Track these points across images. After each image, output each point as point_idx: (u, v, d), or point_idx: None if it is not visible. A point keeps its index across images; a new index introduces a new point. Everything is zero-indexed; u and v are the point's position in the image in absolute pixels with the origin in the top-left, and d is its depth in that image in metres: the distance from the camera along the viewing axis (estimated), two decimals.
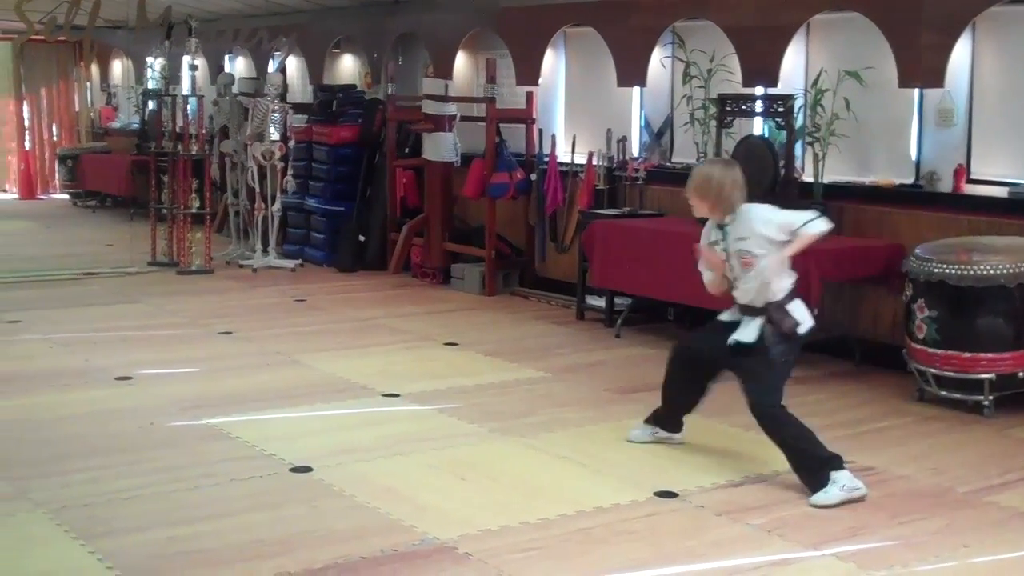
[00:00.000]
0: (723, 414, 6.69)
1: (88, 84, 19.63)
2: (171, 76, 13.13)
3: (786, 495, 5.37)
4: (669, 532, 4.93)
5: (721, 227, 5.66)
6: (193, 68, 12.41)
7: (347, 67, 13.81)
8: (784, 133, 8.20)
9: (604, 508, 5.17)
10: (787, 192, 8.08)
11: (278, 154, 11.79)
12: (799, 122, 8.21)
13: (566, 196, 10.28)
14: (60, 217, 16.79)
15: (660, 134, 9.82)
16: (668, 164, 9.68)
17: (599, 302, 9.39)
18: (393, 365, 7.88)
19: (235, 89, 12.73)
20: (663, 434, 6.13)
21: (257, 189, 11.86)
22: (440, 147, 11.03)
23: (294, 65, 14.57)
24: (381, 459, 5.85)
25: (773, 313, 5.55)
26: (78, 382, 7.34)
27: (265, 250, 11.97)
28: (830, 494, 5.25)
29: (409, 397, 7.03)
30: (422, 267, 11.34)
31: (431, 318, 9.53)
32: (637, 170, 9.66)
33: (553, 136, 10.47)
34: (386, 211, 11.87)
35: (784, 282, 5.59)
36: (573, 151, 10.29)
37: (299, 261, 12.11)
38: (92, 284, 10.99)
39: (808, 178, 8.24)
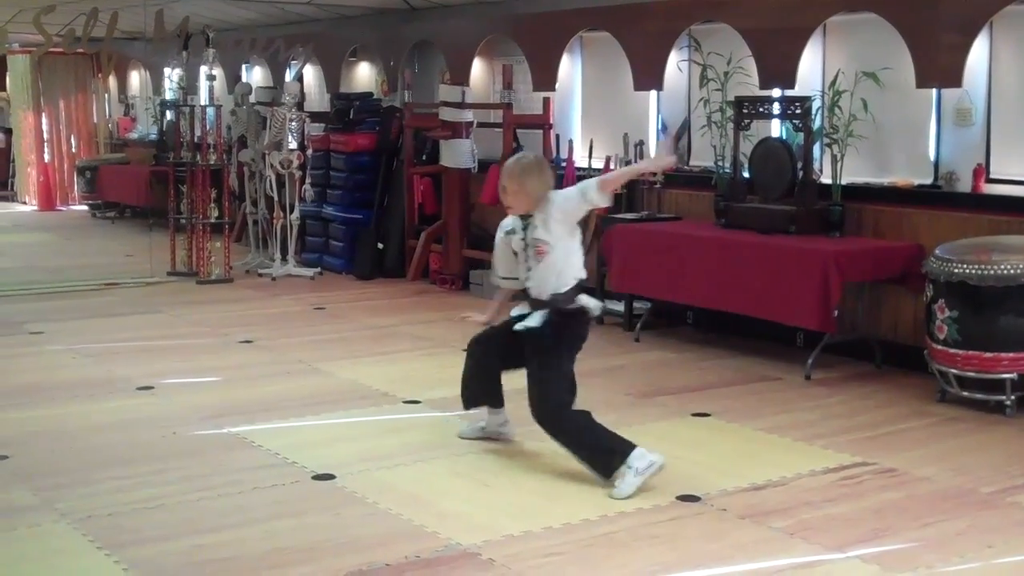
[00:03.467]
0: (744, 418, 6.70)
1: (106, 95, 19.72)
2: (189, 86, 13.19)
3: (808, 498, 5.37)
4: (692, 536, 4.92)
5: (524, 218, 5.75)
6: (211, 78, 12.45)
7: (364, 75, 13.85)
8: (802, 135, 8.20)
9: (627, 512, 5.17)
10: (806, 194, 8.08)
11: (296, 163, 11.82)
12: (817, 124, 8.20)
13: None
14: (79, 228, 16.87)
15: (677, 137, 9.81)
16: (686, 167, 9.67)
17: (618, 306, 9.38)
18: (414, 372, 7.89)
19: (252, 98, 12.78)
20: (493, 423, 6.19)
21: (275, 198, 11.90)
22: (457, 154, 11.06)
23: (311, 74, 14.62)
24: (403, 466, 5.86)
25: (560, 302, 5.66)
26: (101, 392, 7.37)
27: (284, 259, 12.01)
28: (627, 482, 5.34)
29: (430, 404, 7.04)
30: (440, 274, 11.36)
31: (450, 324, 9.52)
32: (655, 174, 9.65)
33: (570, 141, 10.48)
34: (404, 218, 11.89)
35: (574, 271, 5.70)
36: (590, 155, 10.30)
37: (318, 269, 12.14)
38: (112, 295, 11.05)
39: (826, 180, 8.23)
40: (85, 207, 18.47)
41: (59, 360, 8.28)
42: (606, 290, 9.40)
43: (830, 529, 4.97)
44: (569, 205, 5.66)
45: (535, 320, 5.68)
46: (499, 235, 5.95)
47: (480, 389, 6.13)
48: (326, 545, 4.80)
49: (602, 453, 5.50)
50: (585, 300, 5.74)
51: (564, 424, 5.67)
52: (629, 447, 5.45)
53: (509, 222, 5.87)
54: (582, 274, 5.76)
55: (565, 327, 5.72)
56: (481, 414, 6.26)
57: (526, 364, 5.78)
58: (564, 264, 5.67)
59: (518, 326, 5.74)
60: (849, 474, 5.71)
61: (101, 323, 9.70)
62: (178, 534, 4.94)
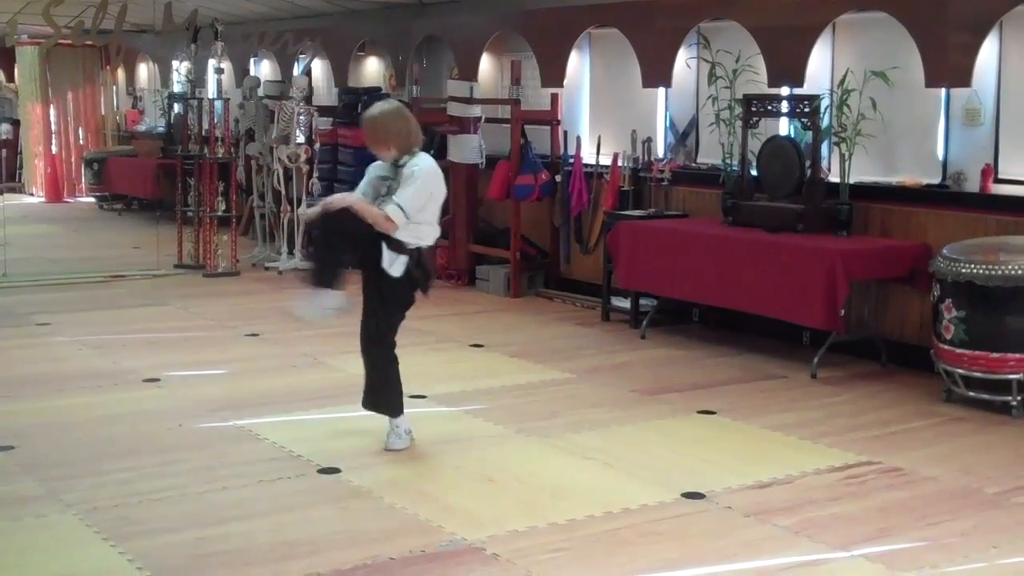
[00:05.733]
0: (750, 416, 6.70)
1: (114, 88, 19.74)
2: (197, 79, 13.18)
3: (814, 496, 5.37)
4: (697, 533, 4.93)
5: (397, 165, 5.87)
6: (219, 71, 12.46)
7: (372, 69, 13.85)
8: (810, 133, 8.19)
9: (632, 509, 5.17)
10: (813, 193, 8.07)
11: (304, 157, 11.82)
12: (825, 122, 8.19)
13: (591, 197, 10.28)
14: (86, 220, 16.88)
15: (685, 135, 9.81)
16: (693, 165, 9.67)
17: (624, 303, 9.39)
18: (419, 367, 7.86)
19: (261, 92, 12.78)
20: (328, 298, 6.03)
21: (283, 192, 11.90)
22: (465, 149, 11.06)
23: (319, 68, 14.62)
24: (409, 460, 5.87)
25: (424, 259, 5.93)
26: (107, 384, 7.38)
27: (291, 252, 12.01)
28: (398, 441, 5.96)
29: (436, 399, 7.05)
30: (447, 269, 11.36)
31: (456, 320, 9.55)
32: (662, 171, 9.66)
33: (578, 137, 10.47)
34: None
35: (429, 229, 5.92)
36: (598, 152, 10.30)
37: None
38: (119, 287, 11.06)
39: (835, 178, 8.22)
40: (92, 199, 18.50)
41: (66, 351, 8.30)
42: (613, 287, 9.41)
43: (835, 528, 4.97)
44: (406, 183, 5.77)
45: (397, 269, 5.82)
46: (371, 173, 6.03)
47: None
48: (331, 538, 4.81)
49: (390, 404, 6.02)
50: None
51: (381, 356, 6.00)
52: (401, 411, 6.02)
53: (384, 168, 5.97)
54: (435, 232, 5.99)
55: (417, 279, 5.96)
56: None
57: (375, 296, 5.96)
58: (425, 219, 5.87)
59: (384, 264, 5.81)
60: (854, 473, 5.71)
61: (108, 315, 9.72)
62: (184, 526, 4.95)
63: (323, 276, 5.87)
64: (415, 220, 5.78)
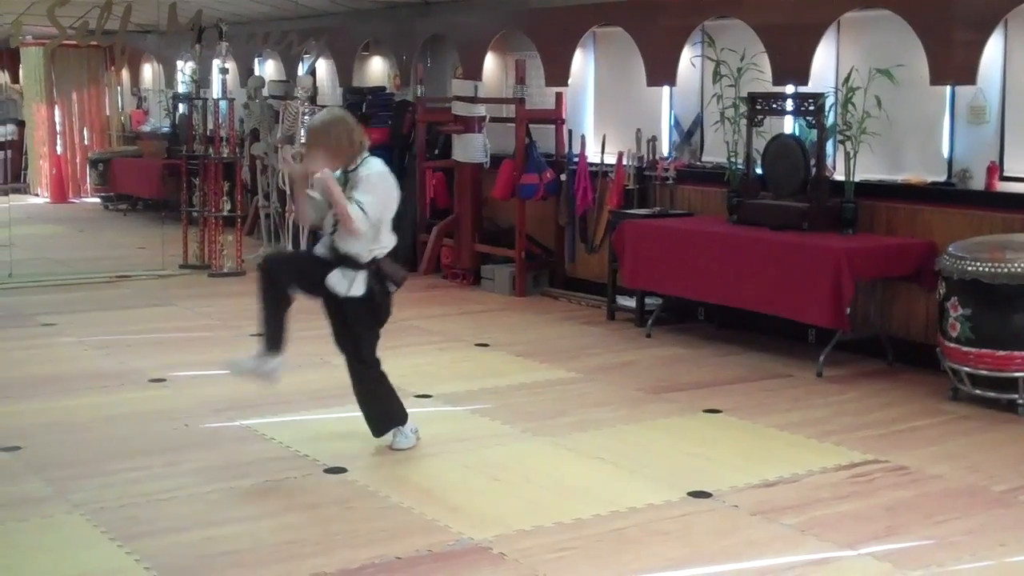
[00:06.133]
0: (756, 415, 6.70)
1: (119, 88, 19.75)
2: (201, 79, 13.20)
3: (820, 495, 5.36)
4: (703, 532, 4.93)
5: (346, 172, 5.73)
6: (223, 71, 12.47)
7: (376, 69, 13.85)
8: (815, 132, 8.18)
9: (638, 508, 5.17)
10: (818, 191, 8.07)
11: None
12: (830, 120, 8.18)
13: (596, 196, 10.28)
14: (92, 220, 16.90)
15: (690, 133, 9.81)
16: (698, 163, 9.67)
17: (630, 302, 9.39)
18: (424, 366, 7.90)
19: (265, 92, 12.80)
20: (271, 364, 5.86)
21: (288, 191, 11.90)
22: (470, 148, 11.06)
23: (324, 67, 14.62)
24: (415, 460, 5.87)
25: (385, 267, 5.78)
26: (113, 384, 7.39)
27: None
28: (405, 440, 5.95)
29: (441, 398, 7.05)
30: (452, 268, 11.37)
31: (462, 319, 9.55)
32: (667, 170, 9.65)
33: (583, 136, 10.47)
34: (416, 213, 11.89)
35: (385, 240, 5.79)
36: (603, 151, 10.29)
37: None
38: (124, 287, 11.07)
39: (839, 177, 8.21)
40: (97, 199, 18.51)
41: (71, 352, 8.31)
42: (618, 286, 9.41)
43: (842, 526, 4.97)
44: (359, 186, 5.65)
45: (358, 288, 5.70)
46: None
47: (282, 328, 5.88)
48: (338, 538, 4.82)
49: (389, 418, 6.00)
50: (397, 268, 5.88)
51: (371, 377, 5.93)
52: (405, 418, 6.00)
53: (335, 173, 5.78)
54: (392, 240, 5.84)
55: (382, 296, 5.84)
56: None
57: (343, 322, 5.86)
58: (380, 229, 5.73)
59: (339, 291, 5.71)
60: (861, 471, 5.70)
61: (113, 315, 9.73)
62: (190, 526, 4.96)
63: (273, 340, 5.79)
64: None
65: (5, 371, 7.73)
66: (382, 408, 6.00)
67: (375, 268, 5.76)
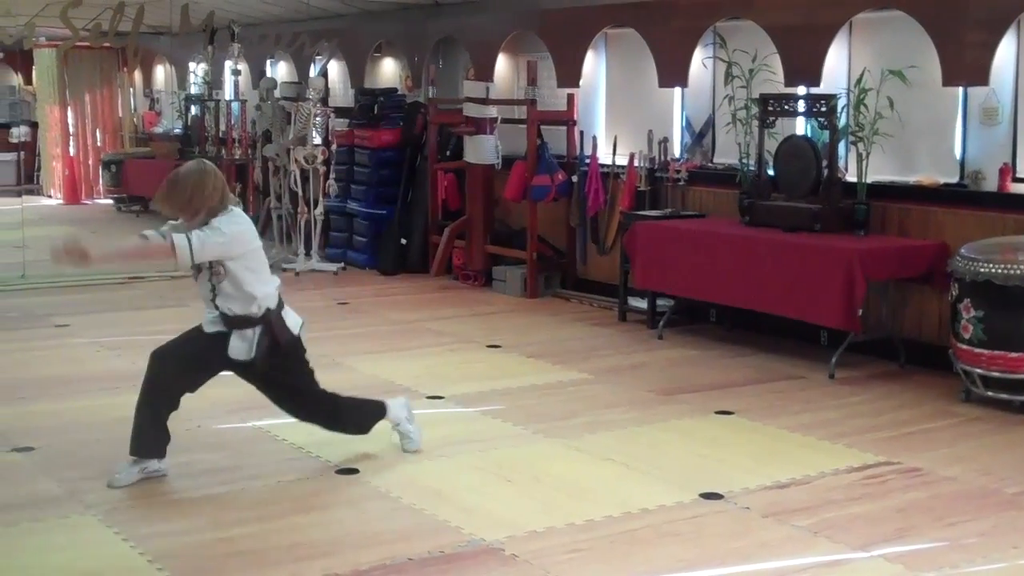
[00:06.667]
0: (768, 417, 6.70)
1: (132, 89, 19.80)
2: (214, 81, 13.24)
3: (832, 497, 5.36)
4: (715, 533, 4.92)
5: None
6: (236, 73, 12.52)
7: (388, 70, 13.86)
8: (827, 133, 8.17)
9: (649, 509, 5.17)
10: (830, 192, 8.06)
11: (320, 158, 11.86)
12: (842, 122, 8.17)
13: (607, 197, 10.27)
14: (104, 222, 16.92)
15: (702, 135, 9.80)
16: (710, 165, 9.66)
17: (641, 303, 9.38)
18: (436, 367, 7.91)
19: (277, 93, 12.81)
20: (153, 466, 5.56)
21: (300, 193, 11.93)
22: (481, 149, 11.06)
23: (335, 69, 14.64)
24: (426, 461, 5.87)
25: (273, 322, 5.44)
26: (126, 385, 7.35)
27: (308, 253, 12.05)
28: (412, 441, 5.91)
29: (453, 399, 7.06)
30: (464, 269, 11.38)
31: (473, 320, 9.56)
32: (679, 171, 9.64)
33: (594, 138, 10.47)
34: (428, 214, 11.90)
35: (269, 287, 5.50)
36: (614, 152, 10.29)
37: (341, 264, 12.18)
38: (137, 288, 11.09)
39: (852, 178, 8.20)
40: (110, 201, 18.55)
41: (84, 353, 8.33)
42: (629, 287, 9.41)
43: (854, 528, 4.96)
44: (214, 236, 5.29)
45: (247, 351, 5.44)
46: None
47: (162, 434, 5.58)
48: (349, 539, 4.83)
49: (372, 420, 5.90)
50: (291, 319, 5.59)
51: (326, 406, 5.78)
52: (383, 409, 5.92)
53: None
54: (274, 286, 5.55)
55: (274, 351, 5.48)
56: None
57: (269, 383, 5.63)
58: (249, 283, 5.42)
59: (238, 358, 5.47)
60: (873, 473, 5.70)
61: (126, 316, 9.76)
62: (202, 527, 4.97)
63: (156, 445, 5.53)
64: (200, 261, 5.32)
65: (19, 372, 7.76)
66: (359, 419, 5.88)
67: (271, 319, 5.46)
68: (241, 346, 5.47)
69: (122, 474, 5.50)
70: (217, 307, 5.49)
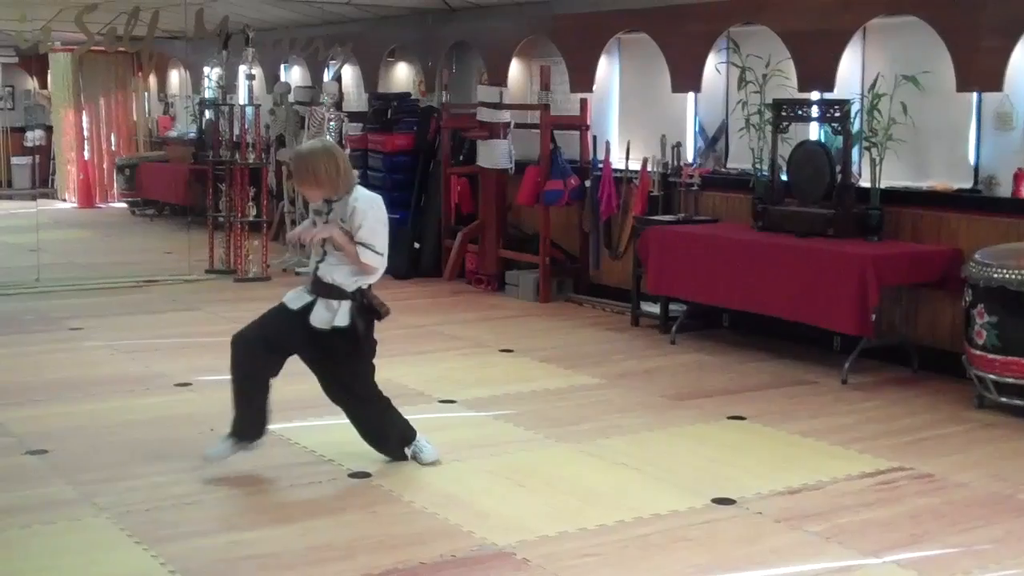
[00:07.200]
0: (780, 422, 6.69)
1: (146, 94, 19.87)
2: (228, 85, 13.25)
3: (845, 502, 5.35)
4: (727, 539, 4.92)
5: (328, 201, 5.56)
6: (250, 77, 12.52)
7: (402, 75, 13.89)
8: (841, 138, 8.17)
9: (662, 515, 5.17)
10: (844, 197, 8.05)
11: None
12: (856, 127, 8.16)
13: (620, 202, 10.28)
14: (118, 226, 17.00)
15: (715, 140, 9.80)
16: (723, 170, 9.66)
17: (654, 308, 9.38)
18: (449, 371, 7.92)
19: (291, 98, 12.86)
20: (248, 445, 5.75)
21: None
22: (494, 154, 11.07)
23: (349, 74, 14.67)
24: (439, 465, 5.86)
25: (370, 298, 5.59)
26: (139, 388, 7.43)
27: None
28: (427, 451, 5.84)
29: (465, 403, 7.06)
30: (477, 274, 11.39)
31: (486, 325, 9.56)
32: (692, 176, 9.63)
33: (607, 142, 10.47)
34: (441, 218, 11.92)
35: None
36: (627, 157, 10.30)
37: None
38: (151, 292, 11.13)
39: (865, 183, 8.19)
40: (124, 205, 18.62)
41: (98, 356, 8.36)
42: (642, 292, 9.41)
43: (866, 534, 4.95)
44: (354, 219, 5.47)
45: (341, 319, 5.53)
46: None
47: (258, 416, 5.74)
48: (362, 543, 4.83)
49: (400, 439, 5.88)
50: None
51: (374, 411, 5.81)
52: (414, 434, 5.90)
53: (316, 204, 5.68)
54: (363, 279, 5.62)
55: (366, 327, 5.64)
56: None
57: (331, 364, 5.70)
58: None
59: (318, 324, 5.55)
60: (886, 479, 5.69)
61: (140, 320, 9.78)
62: (215, 530, 4.98)
63: (251, 427, 5.69)
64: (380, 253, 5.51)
65: (32, 375, 7.79)
66: (389, 431, 5.87)
67: (360, 299, 5.58)
68: (325, 315, 5.55)
69: (217, 448, 5.68)
70: (318, 268, 5.59)
